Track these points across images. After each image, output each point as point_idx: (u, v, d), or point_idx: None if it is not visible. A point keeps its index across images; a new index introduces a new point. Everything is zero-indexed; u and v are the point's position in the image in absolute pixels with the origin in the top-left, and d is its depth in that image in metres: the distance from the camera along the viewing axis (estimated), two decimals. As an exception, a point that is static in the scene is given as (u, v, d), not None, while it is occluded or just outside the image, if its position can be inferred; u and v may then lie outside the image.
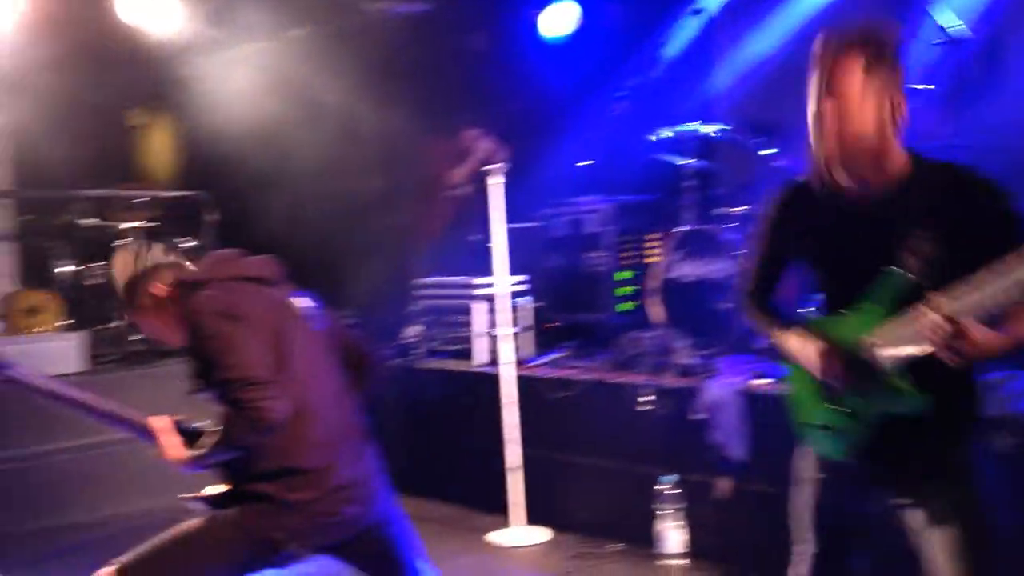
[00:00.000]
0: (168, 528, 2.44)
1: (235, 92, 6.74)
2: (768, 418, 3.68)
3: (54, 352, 5.64)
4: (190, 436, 2.42)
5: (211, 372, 2.32)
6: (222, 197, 6.90)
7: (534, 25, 6.31)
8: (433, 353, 5.43)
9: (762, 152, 4.84)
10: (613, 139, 5.70)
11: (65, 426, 5.41)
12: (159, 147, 8.91)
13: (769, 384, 3.84)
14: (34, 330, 6.22)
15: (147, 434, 2.46)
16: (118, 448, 5.46)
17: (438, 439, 5.13)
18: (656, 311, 4.66)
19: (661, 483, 3.93)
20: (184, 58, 6.93)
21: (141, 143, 9.11)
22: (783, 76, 5.29)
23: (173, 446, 2.41)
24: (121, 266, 2.57)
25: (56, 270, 6.77)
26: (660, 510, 3.92)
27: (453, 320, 5.33)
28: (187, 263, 2.60)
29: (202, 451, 2.35)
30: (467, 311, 5.23)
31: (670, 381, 4.15)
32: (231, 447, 2.33)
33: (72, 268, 6.91)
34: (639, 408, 4.04)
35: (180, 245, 6.87)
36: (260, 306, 2.44)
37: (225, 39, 6.83)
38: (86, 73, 6.98)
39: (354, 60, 6.51)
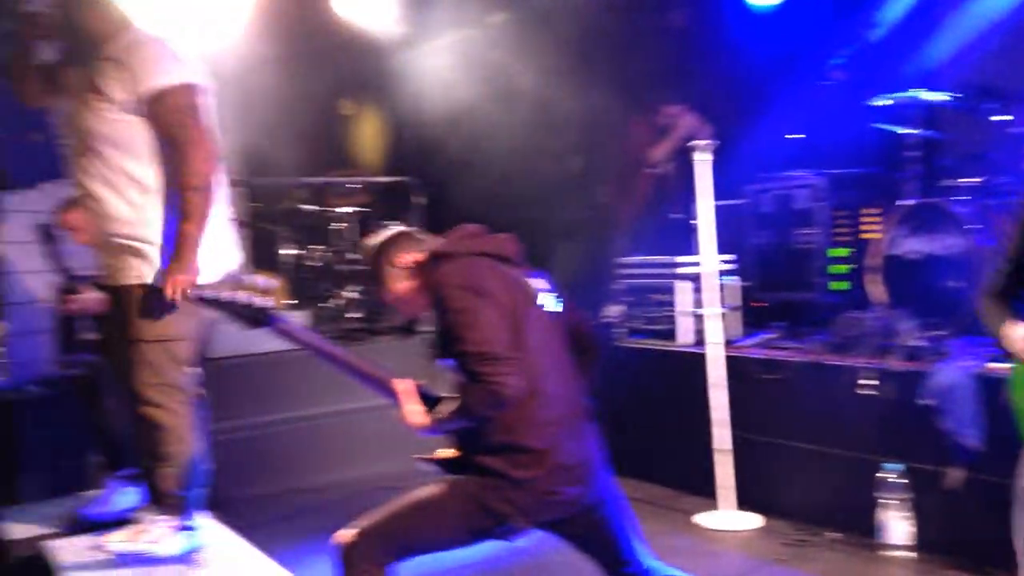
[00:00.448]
0: (399, 493, 2.57)
1: (439, 80, 6.94)
2: (1004, 405, 3.40)
3: (280, 329, 6.05)
4: (429, 401, 2.51)
5: (452, 343, 2.40)
6: (428, 181, 7.16)
7: (740, -6, 6.10)
8: (635, 333, 5.40)
9: (995, 118, 4.47)
10: (827, 110, 5.43)
11: (295, 396, 5.83)
12: (369, 135, 9.33)
13: (1007, 369, 3.54)
14: (263, 309, 6.70)
15: (391, 394, 2.57)
16: (345, 417, 5.83)
17: (642, 419, 5.10)
18: (877, 290, 4.41)
19: (884, 471, 3.73)
20: (392, 49, 7.22)
21: (353, 132, 9.58)
22: (1018, 38, 4.87)
23: (413, 409, 2.51)
24: (372, 239, 2.72)
25: (286, 252, 7.26)
26: (883, 499, 3.72)
27: (656, 300, 5.28)
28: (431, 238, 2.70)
29: (439, 417, 2.44)
30: (668, 290, 5.17)
31: (895, 364, 3.92)
32: (466, 417, 2.41)
33: (295, 251, 7.39)
34: (860, 392, 3.84)
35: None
36: (502, 283, 2.49)
37: (429, 29, 7.04)
38: (305, 66, 7.41)
39: (553, 42, 6.55)
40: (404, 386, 2.55)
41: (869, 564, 3.75)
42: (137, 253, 3.19)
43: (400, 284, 2.65)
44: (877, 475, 3.72)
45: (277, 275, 6.92)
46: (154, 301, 3.14)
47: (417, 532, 2.50)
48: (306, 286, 7.49)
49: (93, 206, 3.23)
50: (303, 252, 7.44)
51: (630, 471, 5.11)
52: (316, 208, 7.55)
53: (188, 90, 3.24)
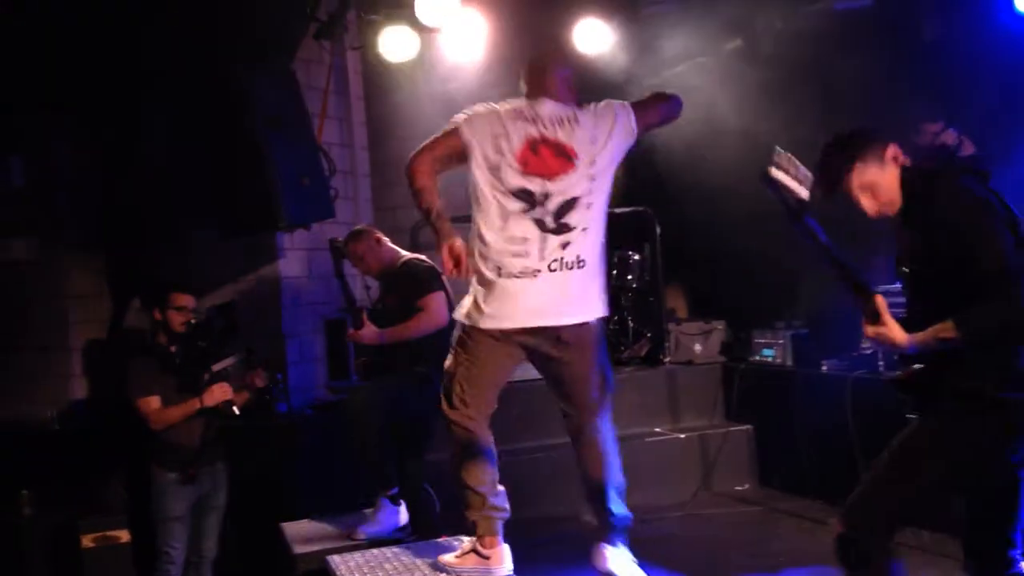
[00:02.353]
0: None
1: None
2: None
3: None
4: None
5: (962, 261, 2.42)
6: (663, 211, 7.12)
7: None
8: (897, 365, 5.07)
9: None
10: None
11: (543, 424, 5.92)
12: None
13: None
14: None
15: (871, 310, 2.56)
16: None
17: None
18: None
19: None
20: (623, 79, 7.26)
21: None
22: None
23: (893, 326, 2.52)
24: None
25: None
26: None
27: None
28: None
29: (940, 335, 2.43)
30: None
31: None
32: (988, 337, 2.41)
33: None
34: None
35: (632, 258, 7.19)
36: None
37: (664, 59, 7.03)
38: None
39: (789, 65, 6.35)
40: (883, 301, 2.55)
41: None
42: None
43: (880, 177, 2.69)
44: None
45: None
46: None
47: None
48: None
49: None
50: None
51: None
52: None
53: None
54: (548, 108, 3.43)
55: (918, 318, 2.55)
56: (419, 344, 4.33)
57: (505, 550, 3.55)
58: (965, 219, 2.46)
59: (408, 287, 4.39)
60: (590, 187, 3.36)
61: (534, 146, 3.34)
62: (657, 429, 6.14)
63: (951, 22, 6.11)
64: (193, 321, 4.42)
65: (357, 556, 3.77)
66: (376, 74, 6.46)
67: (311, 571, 3.87)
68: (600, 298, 3.45)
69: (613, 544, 3.54)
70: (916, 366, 2.65)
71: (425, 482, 4.83)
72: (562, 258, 3.31)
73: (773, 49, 6.66)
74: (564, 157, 3.35)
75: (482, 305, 3.35)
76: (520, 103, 3.47)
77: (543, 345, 3.39)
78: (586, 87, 7.46)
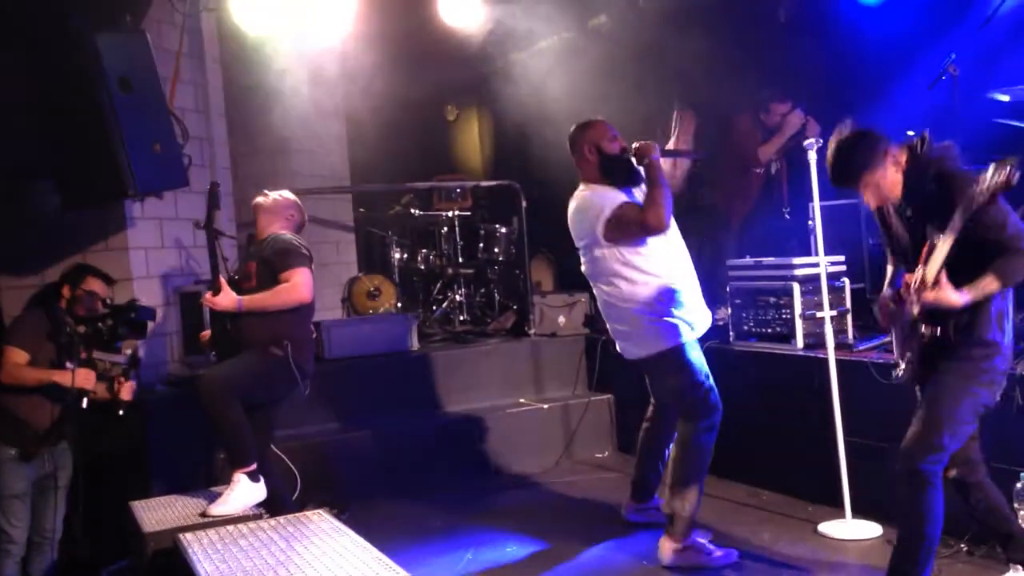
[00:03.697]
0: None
1: (541, 83, 6.97)
2: None
3: (390, 331, 6.19)
4: None
5: (987, 229, 3.04)
6: (530, 185, 7.18)
7: (850, -12, 5.94)
8: (747, 335, 5.32)
9: None
10: (943, 105, 5.25)
11: (420, 397, 5.92)
12: (472, 139, 9.44)
13: None
14: (372, 311, 6.86)
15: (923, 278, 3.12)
16: (452, 420, 5.89)
17: (758, 424, 5.02)
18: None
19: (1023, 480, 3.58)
20: (494, 54, 7.29)
21: (457, 136, 9.71)
22: None
23: (949, 287, 3.05)
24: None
25: (395, 256, 7.41)
26: (1021, 509, 3.57)
27: (767, 302, 5.18)
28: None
29: (986, 288, 3.06)
30: (782, 292, 5.07)
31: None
32: (1007, 284, 3.10)
33: (403, 255, 7.53)
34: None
35: (499, 231, 7.24)
36: None
37: (530, 33, 7.07)
38: (409, 72, 7.54)
39: (653, 43, 6.50)
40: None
41: (1003, 577, 3.60)
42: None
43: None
44: (1017, 485, 3.56)
45: (386, 277, 7.10)
46: None
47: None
48: (415, 289, 7.63)
49: None
50: (412, 255, 7.58)
51: (750, 477, 5.08)
52: (422, 212, 7.68)
53: None
54: None
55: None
56: (276, 324, 4.23)
57: None
58: (1009, 214, 3.10)
59: (275, 257, 4.29)
60: None
61: None
62: (522, 400, 6.24)
63: (803, 6, 6.39)
64: (109, 301, 4.35)
65: (211, 533, 3.67)
66: (235, 38, 6.25)
67: (162, 550, 3.75)
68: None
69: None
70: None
71: (286, 458, 4.77)
72: None
73: (635, 27, 6.79)
74: None
75: None
76: None
77: None
78: (453, 65, 7.52)
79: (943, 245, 3.05)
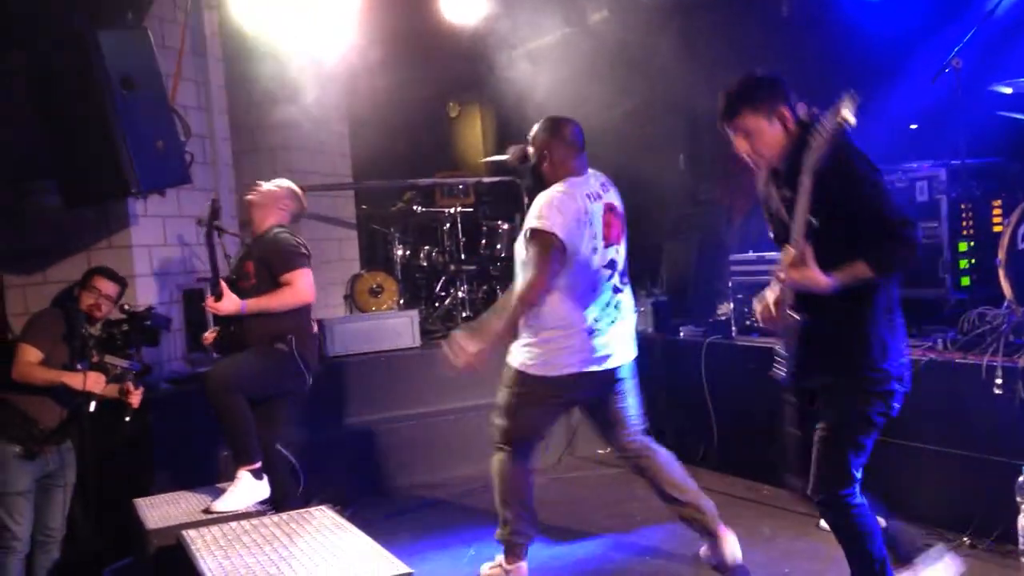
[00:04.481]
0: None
1: (544, 79, 6.96)
2: None
3: (393, 328, 6.20)
4: None
5: (860, 209, 2.74)
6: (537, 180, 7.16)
7: (853, -20, 5.92)
8: (749, 330, 5.32)
9: None
10: (947, 97, 5.23)
11: (410, 394, 5.95)
12: (475, 136, 9.44)
13: None
14: (374, 308, 6.87)
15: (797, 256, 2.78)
16: (455, 417, 5.92)
17: (759, 419, 5.02)
18: (1006, 285, 4.23)
19: (1024, 474, 3.57)
20: (497, 50, 7.27)
21: (458, 132, 9.71)
22: None
23: (816, 269, 2.74)
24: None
25: (397, 253, 7.41)
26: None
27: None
28: None
29: (857, 274, 2.73)
30: (784, 287, 5.06)
31: (1028, 362, 3.77)
32: (885, 273, 2.78)
33: (405, 252, 7.53)
34: (997, 392, 3.69)
35: (501, 227, 7.24)
36: None
37: (533, 29, 7.06)
38: (412, 69, 7.55)
39: (655, 38, 6.50)
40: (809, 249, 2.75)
41: (1007, 572, 3.60)
42: None
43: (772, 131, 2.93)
44: (1020, 479, 3.55)
45: (388, 274, 7.10)
46: None
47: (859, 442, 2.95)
48: (418, 286, 7.63)
49: None
50: (414, 252, 7.58)
51: (752, 472, 5.08)
52: (425, 209, 7.68)
53: None
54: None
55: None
56: (279, 321, 4.24)
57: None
58: (867, 175, 2.81)
59: (275, 257, 4.29)
60: None
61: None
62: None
63: (805, 2, 6.37)
64: (127, 307, 4.38)
65: (214, 530, 3.68)
66: (237, 36, 6.25)
67: (165, 547, 3.76)
68: None
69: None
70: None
71: (291, 456, 4.78)
72: None
73: (636, 22, 6.78)
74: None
75: None
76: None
77: None
78: (456, 61, 7.51)
79: (800, 212, 2.75)
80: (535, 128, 3.88)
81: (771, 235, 3.14)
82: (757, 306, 3.08)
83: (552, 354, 3.72)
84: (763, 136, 2.93)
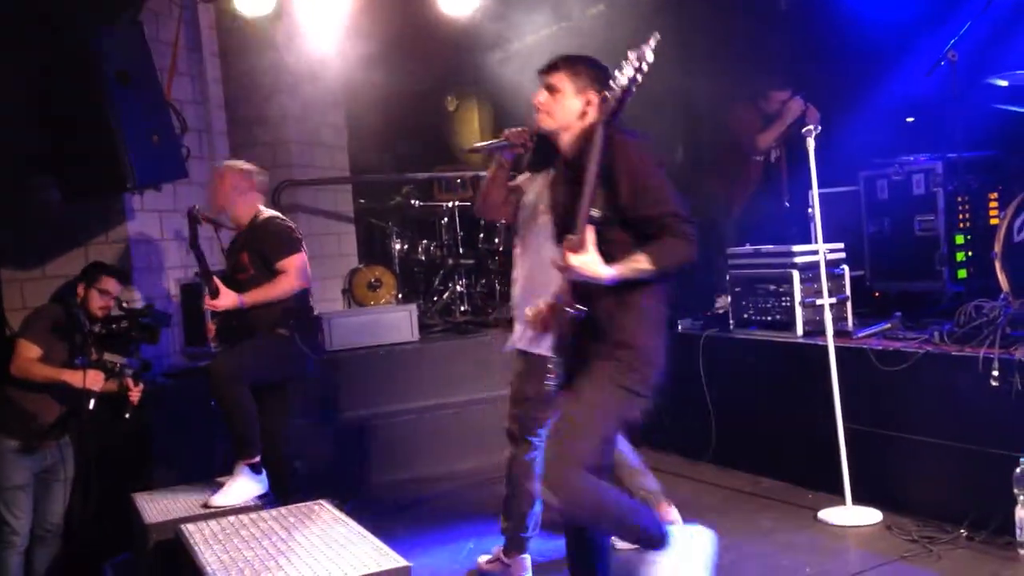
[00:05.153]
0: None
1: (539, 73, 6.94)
2: None
3: (391, 322, 6.20)
4: None
5: (643, 204, 2.72)
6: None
7: (852, -26, 5.92)
8: (746, 323, 5.32)
9: None
10: (943, 90, 5.24)
11: (412, 387, 5.95)
12: (473, 130, 9.42)
13: None
14: (372, 302, 6.87)
15: (578, 240, 2.71)
16: (453, 411, 5.93)
17: (759, 412, 5.03)
18: (1003, 278, 4.24)
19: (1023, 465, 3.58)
20: (494, 43, 7.26)
21: (456, 126, 9.69)
22: None
23: (594, 258, 2.70)
24: None
25: (395, 247, 7.41)
26: (1021, 495, 3.58)
27: (766, 289, 5.19)
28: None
29: (635, 266, 2.70)
30: (782, 280, 5.07)
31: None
32: (661, 271, 2.71)
33: (403, 246, 7.52)
34: (993, 384, 3.70)
35: (499, 221, 7.23)
36: None
37: (530, 22, 7.05)
38: (409, 63, 7.53)
39: (651, 31, 6.47)
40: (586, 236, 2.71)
41: (1005, 564, 3.61)
42: None
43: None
44: (1017, 471, 3.56)
45: (387, 268, 7.09)
46: None
47: (597, 435, 2.82)
48: (416, 280, 7.63)
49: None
50: (412, 246, 7.57)
51: (751, 465, 5.09)
52: (423, 203, 7.68)
53: None
54: None
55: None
56: (278, 306, 4.25)
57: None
58: (650, 169, 2.80)
59: (268, 246, 4.29)
60: None
61: None
62: (522, 389, 6.24)
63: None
64: (126, 305, 4.41)
65: (212, 524, 3.69)
66: (233, 29, 6.24)
67: (164, 541, 3.77)
68: None
69: None
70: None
71: (290, 447, 4.78)
72: None
73: (633, 15, 6.76)
74: None
75: None
76: None
77: None
78: (452, 53, 7.50)
79: (584, 203, 2.70)
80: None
81: (554, 230, 3.06)
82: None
83: None
84: (562, 101, 2.94)
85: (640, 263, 2.70)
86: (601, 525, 2.96)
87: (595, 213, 2.72)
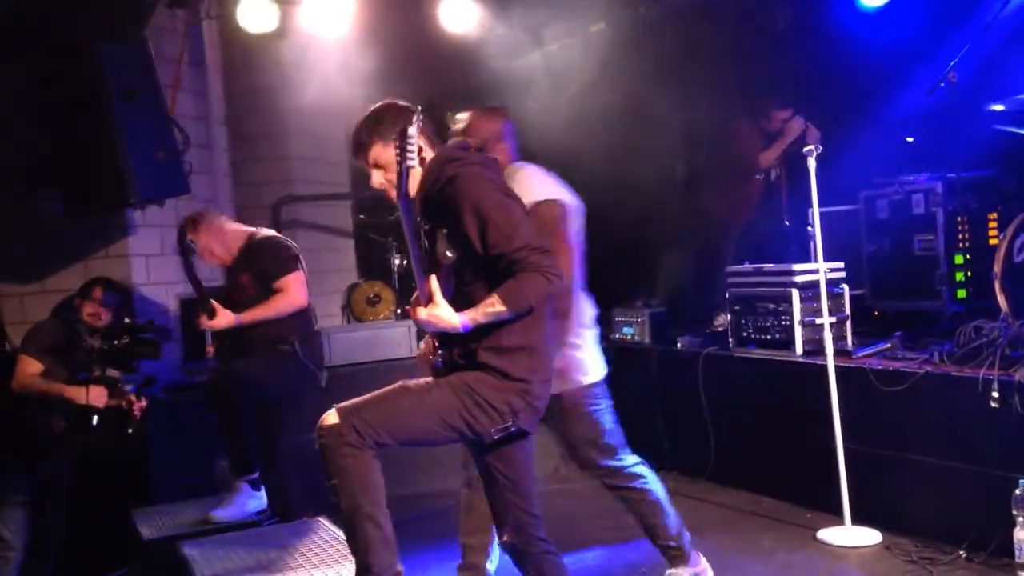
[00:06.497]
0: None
1: (542, 89, 6.98)
2: None
3: (390, 338, 6.20)
4: None
5: (493, 241, 2.52)
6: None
7: (850, -6, 5.95)
8: (746, 342, 5.32)
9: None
10: (943, 111, 5.26)
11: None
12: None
13: None
14: (372, 318, 6.87)
15: (426, 292, 2.59)
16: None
17: (758, 430, 5.03)
18: (1002, 298, 4.25)
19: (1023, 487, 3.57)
20: (495, 59, 7.29)
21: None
22: None
23: (446, 307, 2.55)
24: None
25: (395, 262, 7.41)
26: (1021, 516, 3.57)
27: (766, 308, 5.19)
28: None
29: (478, 314, 2.53)
30: (782, 299, 5.08)
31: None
32: (515, 309, 2.52)
33: (403, 261, 7.52)
34: (993, 404, 3.70)
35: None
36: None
37: (531, 39, 7.08)
38: (410, 78, 7.54)
39: (654, 49, 6.52)
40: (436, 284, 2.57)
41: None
42: None
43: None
44: (1016, 492, 3.55)
45: (385, 284, 7.09)
46: None
47: (402, 419, 2.67)
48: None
49: None
50: (408, 262, 7.56)
51: (750, 484, 5.08)
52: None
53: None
54: None
55: (457, 302, 2.63)
56: (280, 323, 4.25)
57: None
58: (494, 205, 2.57)
59: (265, 265, 4.30)
60: None
61: None
62: (521, 406, 6.23)
63: (801, 14, 6.41)
64: (128, 322, 4.42)
65: (212, 540, 3.69)
66: (236, 46, 6.27)
67: (162, 557, 3.76)
68: None
69: None
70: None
71: (289, 464, 4.77)
72: None
73: (635, 34, 6.81)
74: None
75: None
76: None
77: None
78: (455, 70, 7.53)
79: (438, 246, 2.59)
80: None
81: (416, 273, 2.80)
82: (422, 346, 2.95)
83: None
84: (393, 168, 2.67)
85: (494, 305, 2.53)
86: (340, 497, 2.84)
87: (450, 254, 2.62)
